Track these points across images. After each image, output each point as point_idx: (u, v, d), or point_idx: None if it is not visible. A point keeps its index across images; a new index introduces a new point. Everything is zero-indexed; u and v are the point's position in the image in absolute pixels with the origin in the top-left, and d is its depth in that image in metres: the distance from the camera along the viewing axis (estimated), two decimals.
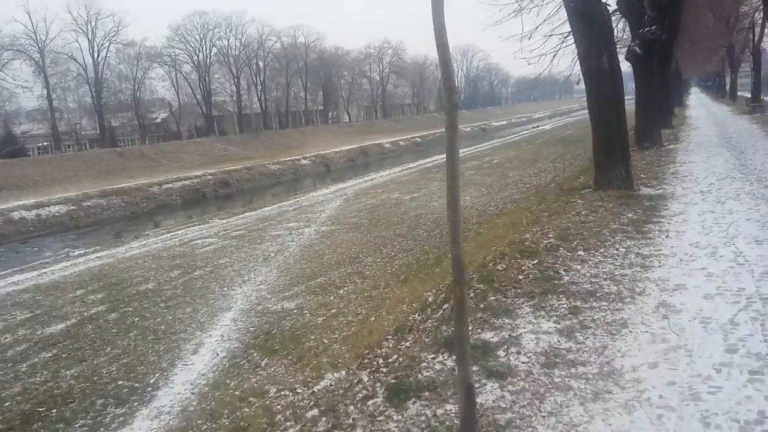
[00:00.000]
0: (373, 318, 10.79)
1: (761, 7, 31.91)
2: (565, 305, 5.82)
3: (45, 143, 60.66)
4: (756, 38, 34.20)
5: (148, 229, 23.34)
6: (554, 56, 18.30)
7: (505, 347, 5.02)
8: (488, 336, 5.33)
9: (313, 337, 10.97)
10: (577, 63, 17.83)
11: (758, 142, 18.91)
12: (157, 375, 7.16)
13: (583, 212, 9.84)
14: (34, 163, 45.29)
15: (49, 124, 59.08)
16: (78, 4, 66.51)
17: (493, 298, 6.29)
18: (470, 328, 5.56)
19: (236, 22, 67.75)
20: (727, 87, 59.78)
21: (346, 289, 13.85)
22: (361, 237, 18.51)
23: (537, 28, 18.36)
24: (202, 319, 10.22)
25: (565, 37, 18.81)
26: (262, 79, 72.21)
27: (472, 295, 6.68)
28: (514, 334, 5.24)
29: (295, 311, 12.55)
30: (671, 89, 34.36)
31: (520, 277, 6.78)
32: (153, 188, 33.68)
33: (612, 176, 11.29)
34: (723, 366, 4.31)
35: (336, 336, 10.47)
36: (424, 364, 4.97)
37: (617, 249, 7.63)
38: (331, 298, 13.36)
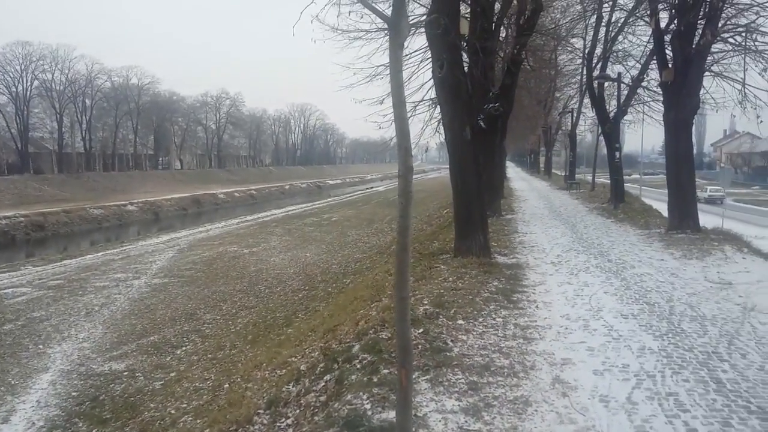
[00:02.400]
0: (227, 385, 9.87)
1: (576, 95, 35.80)
2: (462, 380, 5.57)
3: None
4: (573, 123, 38.21)
5: None
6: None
7: (415, 429, 4.61)
8: (391, 415, 4.89)
9: (153, 405, 9.76)
10: (426, 130, 18.63)
11: (585, 216, 20.73)
12: None
13: (450, 278, 9.85)
14: None
15: None
16: None
17: (386, 371, 5.88)
18: (369, 405, 5.12)
19: (63, 56, 62.66)
20: (541, 163, 66.02)
21: (184, 349, 12.71)
22: (197, 291, 17.38)
23: (389, 95, 18.84)
24: (13, 382, 8.75)
25: (415, 106, 19.51)
26: (88, 117, 67.15)
27: (359, 366, 6.25)
28: (419, 414, 4.86)
29: (126, 374, 11.20)
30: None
31: None
32: None
33: (472, 243, 11.54)
34: None
35: (185, 406, 9.39)
36: None
37: (494, 319, 7.62)
38: (168, 359, 12.15)
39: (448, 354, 6.24)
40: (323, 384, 6.32)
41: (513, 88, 20.91)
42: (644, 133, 42.98)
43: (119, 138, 75.42)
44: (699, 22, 13.54)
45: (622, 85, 22.59)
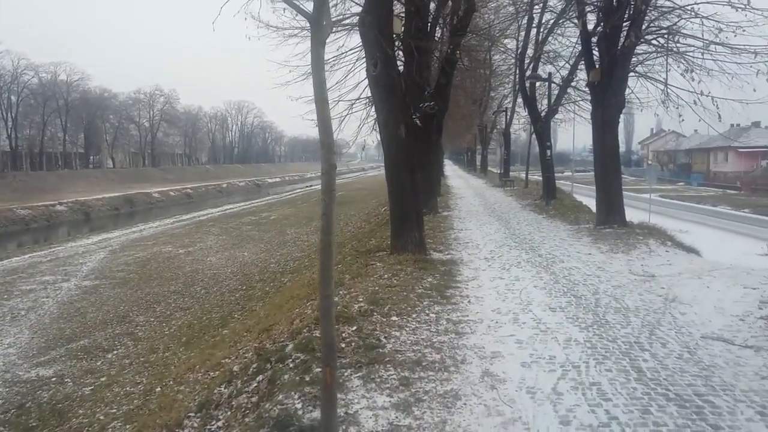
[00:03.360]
0: (159, 389, 9.62)
1: (510, 95, 36.57)
2: (394, 376, 5.60)
3: None
4: (507, 122, 38.99)
5: None
6: (341, 121, 18.79)
7: (344, 427, 4.62)
8: None
9: (81, 411, 9.43)
10: (362, 128, 18.64)
11: (518, 213, 21.20)
12: None
13: (385, 276, 9.89)
14: None
15: None
16: None
17: (319, 369, 5.84)
18: (300, 405, 5.09)
19: None
20: (478, 161, 67.16)
21: (116, 353, 12.35)
22: (130, 293, 16.91)
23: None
24: None
25: (352, 104, 19.51)
26: (13, 114, 64.20)
27: (291, 365, 6.20)
28: (350, 412, 4.86)
29: (54, 380, 10.80)
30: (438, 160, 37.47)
31: (342, 345, 6.45)
32: None
33: (407, 241, 11.63)
34: None
35: (115, 411, 9.11)
36: None
37: (428, 314, 7.70)
38: (99, 363, 11.78)
39: (380, 350, 6.27)
40: (255, 385, 6.24)
41: (448, 87, 21.17)
42: (575, 132, 44.31)
43: (47, 136, 72.49)
44: (624, 24, 14.06)
45: (553, 84, 23.22)
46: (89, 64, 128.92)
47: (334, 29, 17.59)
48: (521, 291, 8.95)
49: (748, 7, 12.16)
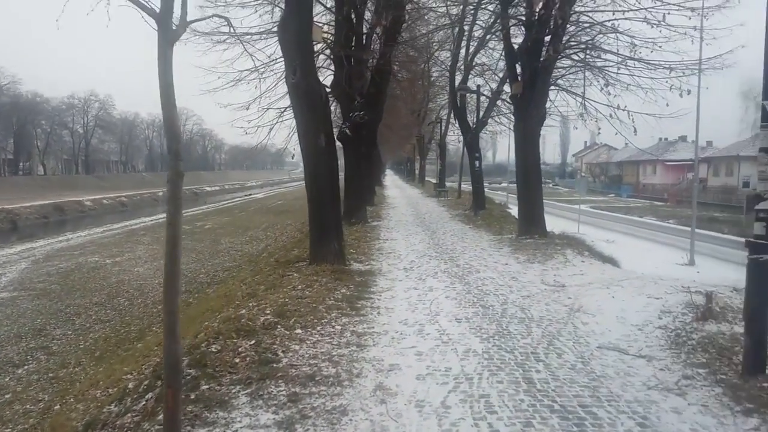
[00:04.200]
0: (58, 406, 9.17)
1: (446, 105, 36.99)
2: (284, 392, 5.44)
3: None
4: (442, 133, 39.40)
5: None
6: (271, 129, 18.58)
7: None
8: None
9: None
10: (293, 137, 18.45)
11: (446, 223, 21.35)
12: None
13: (299, 287, 9.71)
14: None
15: None
16: None
17: (207, 386, 5.65)
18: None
19: None
20: (417, 172, 67.68)
21: (26, 368, 11.74)
22: (50, 305, 16.15)
23: (255, 100, 18.59)
24: None
25: (282, 112, 19.33)
26: None
27: (182, 382, 5.96)
28: (229, 431, 4.68)
29: None
30: (373, 170, 37.51)
31: (237, 360, 6.25)
32: None
33: (326, 251, 11.49)
34: None
35: (10, 430, 8.62)
36: None
37: (333, 326, 7.57)
38: (7, 379, 11.18)
39: (275, 365, 6.09)
40: (144, 403, 5.96)
41: (380, 98, 21.20)
42: (510, 144, 45.10)
43: None
44: (547, 38, 14.37)
45: (484, 97, 23.58)
46: (21, 69, 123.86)
47: (264, 37, 17.43)
48: (432, 301, 8.93)
49: (662, 23, 12.60)
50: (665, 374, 5.84)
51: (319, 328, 7.49)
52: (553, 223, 19.98)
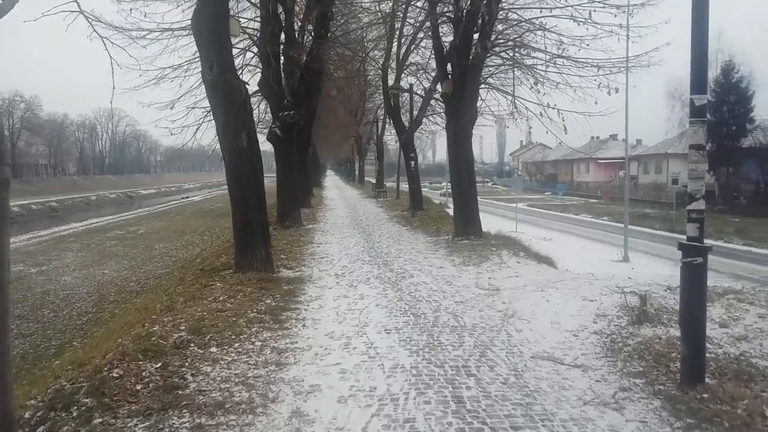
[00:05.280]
0: None
1: (382, 105, 36.70)
2: (187, 424, 4.83)
3: None
4: (379, 132, 39.03)
5: None
6: (197, 129, 17.73)
7: None
8: None
9: None
10: None
11: (383, 225, 20.94)
12: None
13: (221, 298, 9.06)
14: None
15: None
16: None
17: (99, 420, 4.97)
18: None
19: None
20: (357, 172, 67.25)
21: None
22: None
23: (180, 98, 17.74)
24: None
25: (209, 111, 18.48)
26: None
27: (75, 414, 5.26)
28: None
29: None
30: (310, 171, 36.83)
31: (138, 387, 5.58)
32: None
33: (252, 258, 10.84)
34: None
35: None
36: None
37: (253, 343, 6.97)
38: None
39: (181, 392, 5.45)
40: None
41: (311, 96, 20.62)
42: None
43: None
44: (476, 36, 14.10)
45: (418, 96, 23.28)
46: None
47: (187, 33, 16.55)
48: (362, 311, 8.44)
49: (589, 21, 12.51)
50: (601, 386, 5.52)
51: (236, 345, 6.87)
52: (493, 222, 19.88)
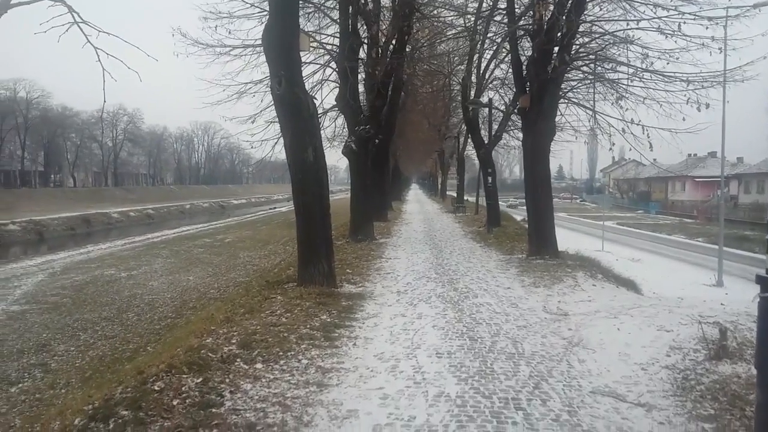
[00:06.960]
0: None
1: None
2: None
3: None
4: (461, 147, 38.61)
5: None
6: (276, 143, 18.08)
7: None
8: None
9: None
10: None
11: (457, 241, 20.51)
12: None
13: (279, 311, 9.01)
14: None
15: None
16: None
17: None
18: None
19: None
20: (439, 187, 66.88)
21: (21, 386, 11.21)
22: (58, 319, 15.76)
23: (260, 113, 18.15)
24: None
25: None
26: None
27: (111, 426, 5.25)
28: None
29: None
30: (389, 185, 36.81)
31: (175, 402, 5.53)
32: None
33: (315, 272, 10.79)
34: None
35: None
36: None
37: (299, 360, 6.83)
38: None
39: (215, 410, 5.35)
40: None
41: (390, 112, 20.58)
42: None
43: (5, 154, 70.64)
44: (556, 50, 13.57)
45: (499, 111, 22.78)
46: (51, 82, 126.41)
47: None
48: (417, 331, 8.13)
49: (678, 33, 11.73)
50: (665, 429, 4.98)
51: (282, 362, 6.75)
52: (577, 240, 19.09)
